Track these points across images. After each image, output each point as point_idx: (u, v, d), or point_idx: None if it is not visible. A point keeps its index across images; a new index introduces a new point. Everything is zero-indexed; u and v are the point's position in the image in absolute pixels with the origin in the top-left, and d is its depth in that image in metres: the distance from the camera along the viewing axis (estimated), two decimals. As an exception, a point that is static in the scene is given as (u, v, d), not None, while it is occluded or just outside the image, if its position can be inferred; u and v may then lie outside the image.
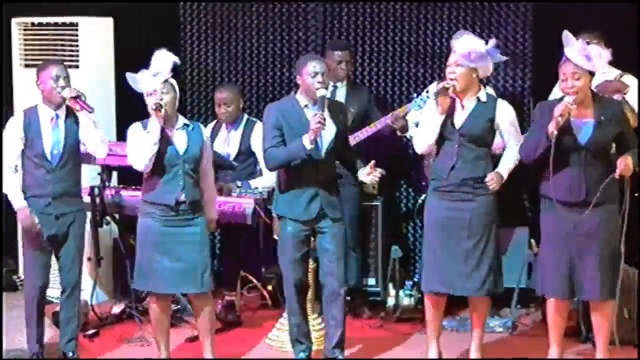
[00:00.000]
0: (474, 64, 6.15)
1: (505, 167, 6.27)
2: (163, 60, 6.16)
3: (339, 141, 6.29)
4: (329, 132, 6.24)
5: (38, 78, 6.36)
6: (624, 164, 5.93)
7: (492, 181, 6.18)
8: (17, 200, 6.33)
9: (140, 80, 6.15)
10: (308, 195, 6.25)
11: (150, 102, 6.07)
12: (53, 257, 6.49)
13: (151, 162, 6.10)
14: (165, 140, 6.11)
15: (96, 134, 6.35)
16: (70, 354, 6.48)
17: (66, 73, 6.35)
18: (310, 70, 6.22)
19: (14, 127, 6.34)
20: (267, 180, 7.35)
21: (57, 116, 6.34)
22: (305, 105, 6.26)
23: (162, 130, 6.10)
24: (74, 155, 6.39)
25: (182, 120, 6.24)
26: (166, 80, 6.14)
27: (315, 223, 6.28)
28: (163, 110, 6.07)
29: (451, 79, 6.16)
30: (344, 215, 6.40)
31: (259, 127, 7.55)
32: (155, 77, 6.11)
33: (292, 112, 6.24)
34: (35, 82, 6.38)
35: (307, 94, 6.26)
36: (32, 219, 6.29)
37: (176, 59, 6.22)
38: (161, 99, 6.07)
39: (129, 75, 6.18)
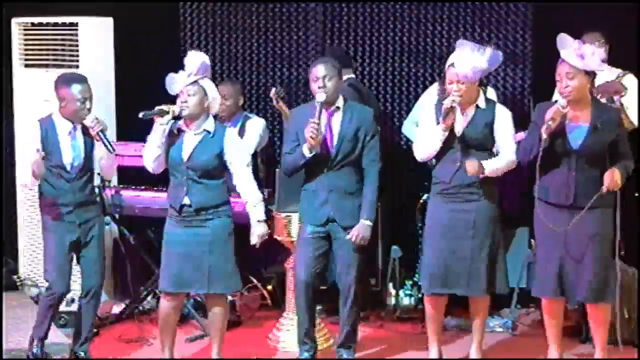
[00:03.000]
0: (475, 78, 6.13)
1: (492, 164, 6.16)
2: (193, 60, 6.13)
3: (351, 146, 6.24)
4: (338, 136, 6.24)
5: (58, 92, 6.28)
6: (611, 179, 5.93)
7: (471, 167, 6.07)
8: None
9: (175, 82, 6.13)
10: (319, 200, 6.27)
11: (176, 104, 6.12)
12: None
13: (157, 165, 6.15)
14: (176, 144, 6.13)
15: (109, 164, 6.36)
16: (82, 354, 6.48)
17: (90, 92, 6.27)
18: (313, 75, 6.23)
19: (32, 137, 6.28)
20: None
21: (75, 128, 6.30)
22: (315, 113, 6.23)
23: (173, 134, 6.13)
24: (90, 164, 6.37)
25: (207, 124, 6.16)
26: (196, 82, 6.11)
27: (329, 227, 6.29)
28: (167, 117, 6.07)
29: (456, 97, 6.09)
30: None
31: (251, 122, 7.48)
32: (187, 79, 6.10)
33: (307, 116, 6.21)
34: (56, 94, 6.30)
35: None
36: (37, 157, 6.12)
37: (205, 60, 6.17)
38: (185, 101, 6.06)
39: (168, 76, 6.15)
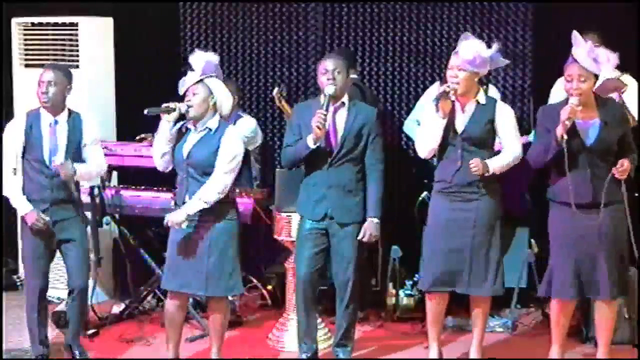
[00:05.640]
0: (477, 69, 6.12)
1: (496, 161, 6.15)
2: (197, 60, 6.11)
3: (354, 143, 6.24)
4: (342, 132, 6.23)
5: None
6: (621, 163, 5.92)
7: (475, 167, 6.07)
8: (22, 206, 6.25)
9: (184, 82, 6.10)
10: (316, 196, 6.26)
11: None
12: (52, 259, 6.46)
13: (165, 162, 6.13)
14: (180, 142, 6.11)
15: (90, 173, 6.41)
16: (77, 354, 6.46)
17: (56, 79, 6.21)
18: (322, 68, 6.23)
19: (16, 129, 6.26)
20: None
21: (56, 122, 6.25)
22: (323, 104, 6.22)
23: (181, 133, 6.10)
24: (75, 161, 6.28)
25: (211, 122, 6.10)
26: (200, 81, 6.08)
27: (326, 224, 6.27)
28: (174, 114, 6.04)
29: (453, 83, 6.12)
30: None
31: (241, 121, 7.42)
32: (192, 78, 6.08)
33: (310, 111, 6.21)
34: None
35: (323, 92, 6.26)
36: (42, 219, 6.21)
37: (211, 59, 6.12)
38: (189, 100, 6.05)
39: (181, 81, 6.12)
